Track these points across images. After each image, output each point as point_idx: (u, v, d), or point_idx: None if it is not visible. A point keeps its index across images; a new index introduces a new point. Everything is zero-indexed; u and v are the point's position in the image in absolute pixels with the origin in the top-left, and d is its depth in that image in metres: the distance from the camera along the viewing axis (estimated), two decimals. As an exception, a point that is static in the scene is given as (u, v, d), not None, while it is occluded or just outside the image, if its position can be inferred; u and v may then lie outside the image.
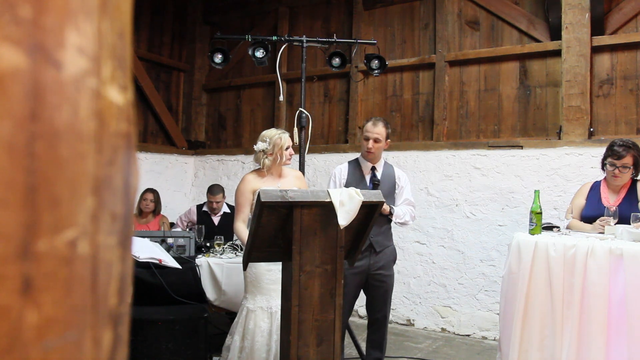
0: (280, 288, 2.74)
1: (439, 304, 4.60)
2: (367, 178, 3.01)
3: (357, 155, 3.20)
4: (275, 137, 2.94)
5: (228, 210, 4.63)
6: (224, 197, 4.61)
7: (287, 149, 2.94)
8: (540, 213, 2.78)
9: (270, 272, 2.85)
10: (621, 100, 4.15)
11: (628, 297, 2.32)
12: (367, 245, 2.92)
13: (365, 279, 2.96)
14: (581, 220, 3.01)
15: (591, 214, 2.95)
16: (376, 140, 2.96)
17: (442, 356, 3.90)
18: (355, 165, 3.09)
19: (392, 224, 3.07)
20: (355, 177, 3.01)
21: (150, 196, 4.61)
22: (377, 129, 2.97)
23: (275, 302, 2.83)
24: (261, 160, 2.95)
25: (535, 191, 2.86)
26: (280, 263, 2.76)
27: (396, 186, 3.06)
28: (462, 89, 4.79)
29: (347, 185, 2.96)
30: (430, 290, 4.64)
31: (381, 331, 3.02)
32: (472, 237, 4.48)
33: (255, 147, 2.98)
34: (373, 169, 3.03)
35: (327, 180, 5.15)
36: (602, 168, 3.04)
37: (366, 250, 2.93)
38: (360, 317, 4.73)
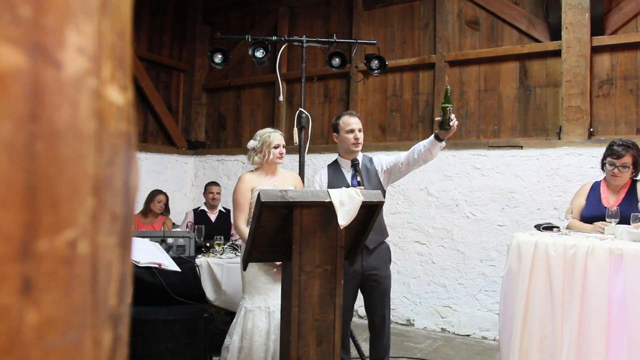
0: (277, 288, 2.76)
1: (439, 304, 4.60)
2: (348, 176, 2.91)
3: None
4: (265, 135, 2.97)
5: (223, 210, 4.80)
6: (220, 191, 4.86)
7: (275, 147, 2.93)
8: (446, 108, 2.65)
9: (268, 272, 2.86)
10: (621, 100, 4.15)
11: (628, 297, 2.32)
12: None
13: (360, 280, 2.88)
14: (581, 221, 3.01)
15: (591, 214, 2.95)
16: (360, 130, 2.92)
17: (442, 356, 3.90)
18: (334, 167, 3.00)
19: (385, 216, 3.00)
20: (336, 179, 2.91)
21: (163, 198, 4.73)
22: (357, 119, 2.94)
23: (273, 301, 2.84)
24: (251, 158, 3.00)
25: (446, 88, 2.77)
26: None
27: (380, 169, 2.94)
28: (462, 89, 4.79)
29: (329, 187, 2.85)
30: (430, 290, 4.64)
31: (382, 336, 2.91)
32: (472, 237, 4.48)
33: (247, 145, 3.03)
34: (354, 161, 2.90)
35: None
36: (602, 168, 3.04)
37: None
38: (360, 317, 4.73)
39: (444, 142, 2.75)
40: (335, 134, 3.00)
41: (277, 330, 2.76)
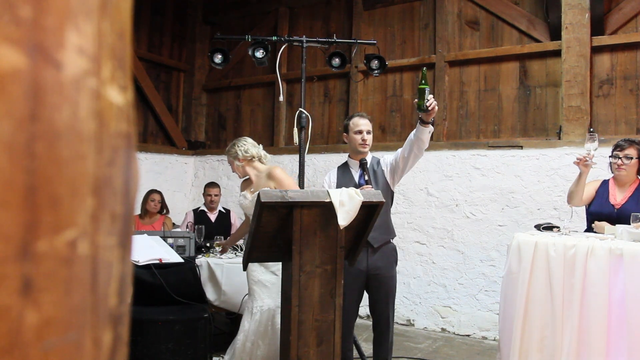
0: (262, 289, 2.87)
1: (439, 304, 4.59)
2: (356, 176, 2.94)
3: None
4: None
5: (223, 210, 4.80)
6: (219, 193, 4.85)
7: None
8: (423, 89, 2.59)
9: (254, 273, 2.88)
10: (621, 100, 4.15)
11: (628, 297, 2.32)
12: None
13: (365, 280, 2.89)
14: (588, 216, 3.07)
15: (599, 210, 2.99)
16: (369, 132, 2.98)
17: (442, 356, 3.90)
18: (343, 168, 3.03)
19: (392, 215, 3.01)
20: (344, 179, 2.94)
21: (157, 197, 4.70)
22: (367, 121, 3.01)
23: (256, 303, 2.86)
24: None
25: (422, 69, 2.73)
26: (264, 264, 2.82)
27: (386, 169, 2.96)
28: (462, 89, 4.79)
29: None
30: (430, 290, 4.64)
31: (386, 337, 2.91)
32: (472, 237, 4.48)
33: None
34: (362, 160, 2.93)
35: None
36: (610, 168, 3.07)
37: (363, 249, 2.80)
38: (361, 317, 4.73)
39: (431, 127, 2.73)
40: (345, 134, 3.05)
41: (257, 333, 2.81)
